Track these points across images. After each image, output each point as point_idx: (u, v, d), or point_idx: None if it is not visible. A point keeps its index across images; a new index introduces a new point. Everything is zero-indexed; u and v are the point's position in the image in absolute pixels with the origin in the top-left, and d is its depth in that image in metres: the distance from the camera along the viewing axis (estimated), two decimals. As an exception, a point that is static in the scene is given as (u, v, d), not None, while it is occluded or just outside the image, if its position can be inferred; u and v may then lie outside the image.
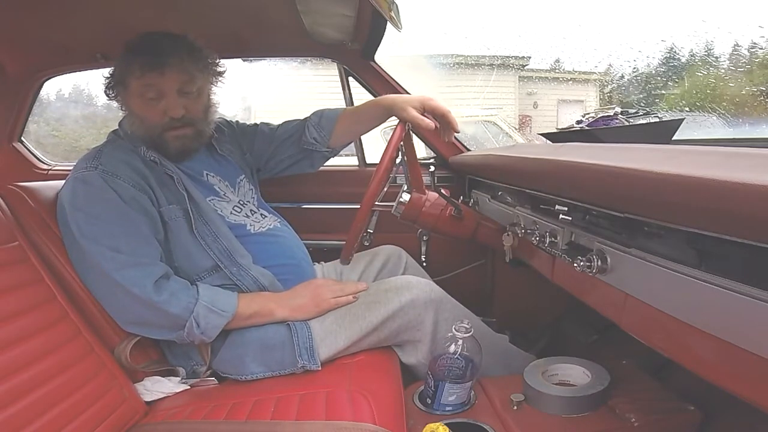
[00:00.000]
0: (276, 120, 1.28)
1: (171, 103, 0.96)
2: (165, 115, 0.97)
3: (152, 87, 0.96)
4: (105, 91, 1.02)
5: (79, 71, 1.49)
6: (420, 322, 0.97)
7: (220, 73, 1.08)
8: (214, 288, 0.94)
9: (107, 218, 0.88)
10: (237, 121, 1.26)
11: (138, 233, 0.90)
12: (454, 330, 0.89)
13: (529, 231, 0.89)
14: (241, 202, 1.09)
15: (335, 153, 1.25)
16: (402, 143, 0.97)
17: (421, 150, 1.47)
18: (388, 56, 1.41)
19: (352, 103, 1.46)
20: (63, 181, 0.98)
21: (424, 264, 1.37)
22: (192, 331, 0.89)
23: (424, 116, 1.02)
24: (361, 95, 1.42)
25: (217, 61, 1.07)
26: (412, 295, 0.97)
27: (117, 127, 1.04)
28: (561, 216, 0.75)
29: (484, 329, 1.09)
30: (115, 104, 1.03)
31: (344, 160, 1.48)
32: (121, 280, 0.86)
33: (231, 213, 1.05)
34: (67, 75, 1.50)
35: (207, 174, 1.08)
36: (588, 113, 1.01)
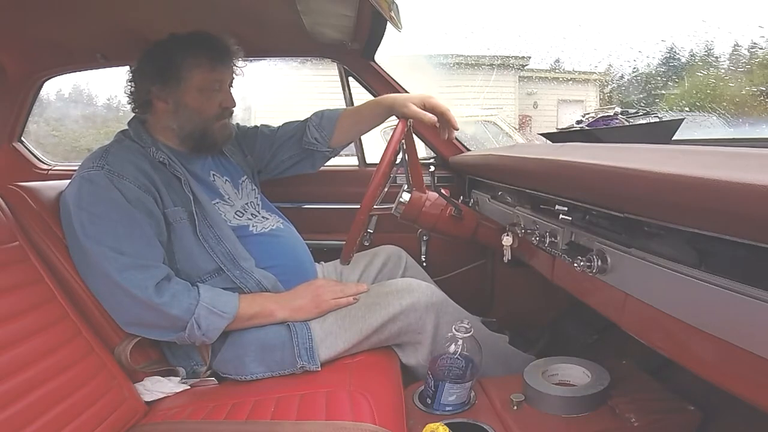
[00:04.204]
0: (276, 120, 1.28)
1: (227, 95, 1.05)
2: (220, 106, 1.03)
3: (217, 81, 1.02)
4: (144, 87, 1.01)
5: (79, 71, 1.49)
6: (421, 326, 0.98)
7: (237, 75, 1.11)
8: (215, 289, 0.94)
9: (111, 218, 0.89)
10: (237, 124, 1.26)
11: (141, 235, 0.90)
12: (454, 330, 0.89)
13: (529, 231, 0.89)
14: (245, 204, 1.09)
15: (336, 153, 1.25)
16: (403, 141, 0.98)
17: (421, 150, 1.47)
18: (388, 56, 1.41)
19: (352, 103, 1.46)
20: (63, 181, 0.98)
21: (424, 264, 1.37)
22: (193, 332, 0.89)
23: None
24: (361, 95, 1.42)
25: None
26: (413, 299, 0.97)
27: (125, 128, 1.04)
28: (561, 216, 0.75)
29: (483, 330, 1.09)
30: (115, 104, 1.04)
31: (344, 160, 1.48)
32: (123, 281, 0.86)
33: (234, 216, 1.05)
34: (67, 75, 1.50)
35: (213, 174, 1.08)
36: (588, 113, 1.01)
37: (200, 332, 0.89)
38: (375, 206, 0.97)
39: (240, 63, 1.08)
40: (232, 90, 1.08)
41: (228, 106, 1.04)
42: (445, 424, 0.80)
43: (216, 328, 0.91)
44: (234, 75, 1.07)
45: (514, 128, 3.57)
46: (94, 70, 1.47)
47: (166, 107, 1.01)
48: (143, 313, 0.88)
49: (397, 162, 1.00)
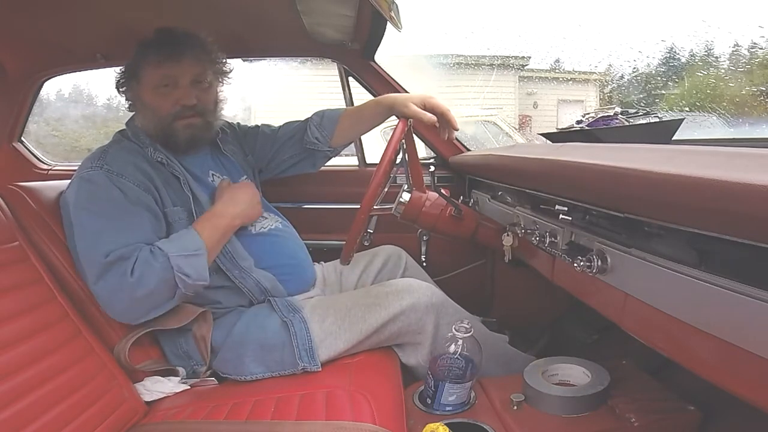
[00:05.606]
0: (276, 120, 1.28)
1: (184, 92, 0.99)
2: (177, 104, 0.99)
3: (168, 76, 0.98)
4: (116, 87, 1.04)
5: (79, 71, 1.49)
6: (421, 326, 0.97)
7: (226, 72, 1.10)
8: (171, 239, 0.91)
9: (111, 216, 0.88)
10: (238, 123, 1.27)
11: (141, 231, 0.90)
12: (454, 330, 0.89)
13: (529, 231, 0.89)
14: None
15: (337, 152, 1.25)
16: (404, 140, 0.98)
17: (422, 150, 1.47)
18: (388, 56, 1.41)
19: (352, 103, 1.46)
20: (63, 181, 0.98)
21: (424, 264, 1.37)
22: (186, 283, 0.87)
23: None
24: (361, 95, 1.42)
25: (224, 60, 1.09)
26: (413, 299, 0.97)
27: (123, 128, 1.05)
28: (561, 216, 0.75)
29: (483, 330, 1.09)
30: (115, 104, 1.05)
31: (344, 160, 1.48)
32: (101, 291, 0.86)
33: None
34: (67, 75, 1.50)
35: (213, 174, 1.08)
36: (588, 113, 1.01)
37: (192, 279, 0.88)
38: (375, 206, 0.97)
39: (210, 57, 1.04)
40: (221, 88, 1.08)
41: (186, 103, 0.99)
42: (445, 424, 0.80)
43: (202, 267, 0.89)
44: (206, 70, 1.02)
45: (514, 128, 3.57)
46: (94, 70, 1.47)
47: (135, 107, 1.02)
48: (136, 303, 0.87)
49: (397, 162, 1.00)
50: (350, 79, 1.44)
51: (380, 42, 1.31)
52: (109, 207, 0.89)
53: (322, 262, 1.26)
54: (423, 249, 1.41)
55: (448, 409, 0.89)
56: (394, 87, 1.40)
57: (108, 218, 0.88)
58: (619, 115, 0.94)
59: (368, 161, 1.52)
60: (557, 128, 1.12)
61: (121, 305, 0.87)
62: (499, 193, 1.17)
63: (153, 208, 0.93)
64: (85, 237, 0.88)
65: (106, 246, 0.86)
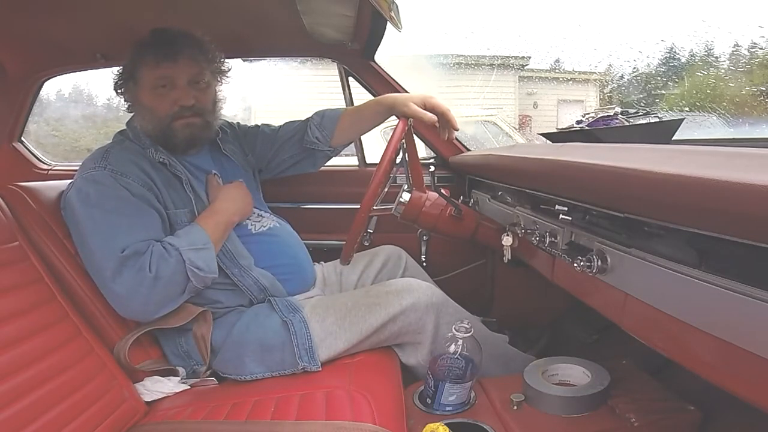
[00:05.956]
0: (276, 120, 1.28)
1: (182, 93, 0.99)
2: (175, 105, 0.99)
3: (165, 77, 0.98)
4: (114, 89, 1.04)
5: (79, 71, 1.49)
6: (421, 326, 0.98)
7: (224, 72, 1.10)
8: (179, 234, 0.93)
9: (123, 213, 0.89)
10: (238, 123, 1.27)
11: (152, 229, 0.91)
12: (454, 330, 0.89)
13: (529, 231, 0.89)
14: None
15: (337, 152, 1.25)
16: (404, 140, 0.98)
17: (422, 150, 1.47)
18: (388, 56, 1.41)
19: (352, 103, 1.46)
20: (63, 181, 0.98)
21: (424, 264, 1.37)
22: (197, 275, 0.89)
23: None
24: (361, 95, 1.42)
25: (223, 59, 1.09)
26: (413, 299, 0.97)
27: (124, 128, 1.05)
28: (561, 216, 0.75)
29: (483, 330, 1.09)
30: (115, 104, 1.05)
31: (344, 160, 1.48)
32: (119, 287, 0.86)
33: None
34: (67, 75, 1.50)
35: (214, 174, 1.08)
36: (588, 113, 1.01)
37: (204, 272, 0.90)
38: (375, 206, 0.97)
39: (208, 56, 1.03)
40: (220, 87, 1.08)
41: (184, 103, 0.99)
42: (445, 424, 0.80)
43: (211, 260, 0.92)
44: (203, 70, 1.02)
45: (514, 128, 3.57)
46: (94, 70, 1.47)
47: (134, 108, 1.03)
48: (153, 299, 0.88)
49: (398, 162, 1.00)
50: (350, 79, 1.44)
51: (380, 42, 1.31)
52: (120, 205, 0.90)
53: (322, 262, 1.26)
54: (423, 249, 1.41)
55: (448, 409, 0.89)
56: (394, 87, 1.40)
57: (120, 215, 0.89)
58: (619, 115, 0.95)
59: (368, 161, 1.52)
60: (557, 128, 1.12)
61: (139, 300, 0.87)
62: (499, 193, 1.17)
63: (158, 206, 0.94)
64: (98, 233, 0.88)
65: (122, 241, 0.87)
